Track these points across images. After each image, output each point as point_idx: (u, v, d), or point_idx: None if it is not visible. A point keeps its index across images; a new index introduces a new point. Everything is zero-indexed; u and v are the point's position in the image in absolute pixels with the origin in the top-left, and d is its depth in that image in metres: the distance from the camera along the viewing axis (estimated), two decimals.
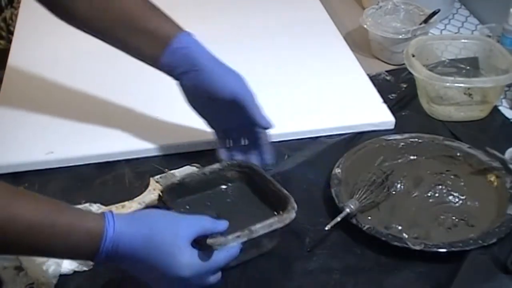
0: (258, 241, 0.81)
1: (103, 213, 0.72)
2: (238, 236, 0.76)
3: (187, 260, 0.72)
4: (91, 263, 0.82)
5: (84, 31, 0.93)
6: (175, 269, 0.72)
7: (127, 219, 0.73)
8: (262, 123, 0.90)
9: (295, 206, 0.82)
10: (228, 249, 0.76)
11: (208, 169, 0.89)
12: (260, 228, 0.78)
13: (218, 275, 0.77)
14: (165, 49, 0.89)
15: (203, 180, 0.88)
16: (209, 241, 0.74)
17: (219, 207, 0.86)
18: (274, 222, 0.79)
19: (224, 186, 0.90)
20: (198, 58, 0.89)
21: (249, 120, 0.90)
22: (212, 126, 0.96)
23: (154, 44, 0.89)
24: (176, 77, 0.91)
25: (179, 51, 0.89)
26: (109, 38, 0.93)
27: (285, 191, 0.84)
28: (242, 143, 0.95)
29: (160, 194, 0.85)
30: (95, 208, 0.86)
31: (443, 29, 1.35)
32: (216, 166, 0.90)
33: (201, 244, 0.74)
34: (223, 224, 0.77)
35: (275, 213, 0.83)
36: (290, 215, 0.81)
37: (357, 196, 0.88)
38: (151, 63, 0.91)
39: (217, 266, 0.75)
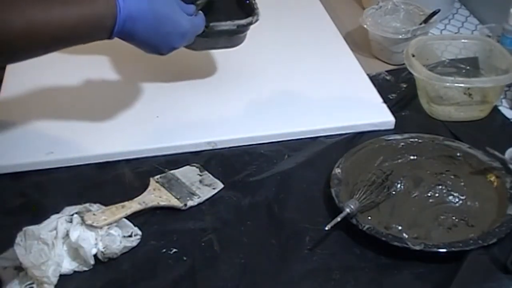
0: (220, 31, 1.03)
1: None
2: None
3: (184, 15, 0.92)
4: (93, 254, 0.82)
5: None
6: (178, 22, 0.91)
7: None
8: None
9: (258, 17, 1.05)
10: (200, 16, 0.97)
11: None
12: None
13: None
14: None
15: None
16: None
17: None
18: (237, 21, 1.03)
19: None
20: None
21: None
22: None
23: None
24: None
25: None
26: None
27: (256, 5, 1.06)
28: None
29: None
30: (95, 208, 0.86)
31: (443, 29, 1.35)
32: None
33: None
34: None
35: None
36: (251, 19, 1.04)
37: (357, 196, 0.88)
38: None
39: (199, 23, 0.97)
